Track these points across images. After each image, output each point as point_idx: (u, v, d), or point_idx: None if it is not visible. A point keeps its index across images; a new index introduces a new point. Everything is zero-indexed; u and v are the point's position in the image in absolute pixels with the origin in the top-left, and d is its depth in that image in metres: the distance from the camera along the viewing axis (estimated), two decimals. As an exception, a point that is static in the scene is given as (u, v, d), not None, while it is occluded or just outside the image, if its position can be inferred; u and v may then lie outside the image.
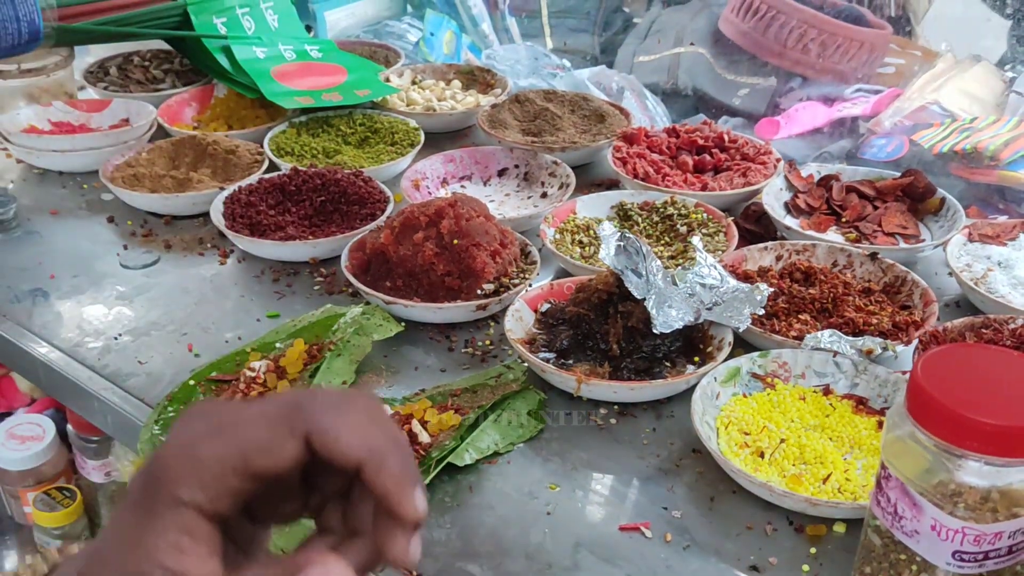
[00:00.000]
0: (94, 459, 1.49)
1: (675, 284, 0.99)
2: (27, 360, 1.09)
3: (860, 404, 0.93)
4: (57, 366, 1.06)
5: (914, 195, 1.27)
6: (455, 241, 1.07)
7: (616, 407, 0.96)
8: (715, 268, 1.01)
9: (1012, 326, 0.99)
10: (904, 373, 0.93)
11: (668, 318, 0.96)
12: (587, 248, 1.19)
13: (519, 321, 1.03)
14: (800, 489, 0.83)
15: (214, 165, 1.38)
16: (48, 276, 1.21)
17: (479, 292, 1.08)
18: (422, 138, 1.47)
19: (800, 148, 1.74)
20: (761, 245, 1.16)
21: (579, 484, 0.87)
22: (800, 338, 0.98)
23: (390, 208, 1.25)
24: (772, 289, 1.03)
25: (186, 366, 1.03)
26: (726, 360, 0.95)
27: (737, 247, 1.16)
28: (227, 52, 1.57)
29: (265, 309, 1.14)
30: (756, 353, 0.97)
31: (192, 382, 0.99)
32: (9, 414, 1.63)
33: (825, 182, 1.31)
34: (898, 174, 1.30)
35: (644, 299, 0.96)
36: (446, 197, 1.13)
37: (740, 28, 1.85)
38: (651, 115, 1.81)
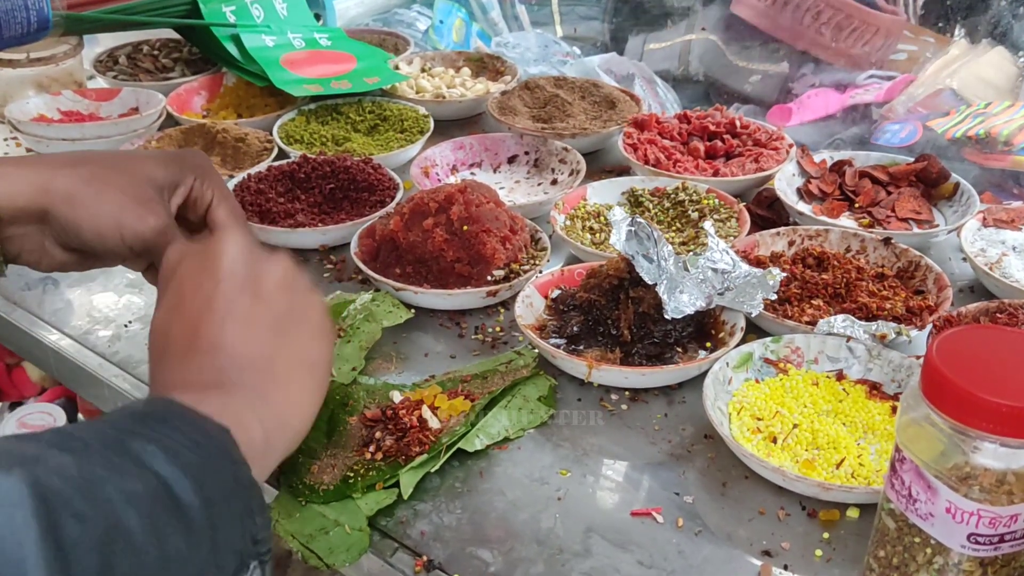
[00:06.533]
0: (105, 448, 1.49)
1: (687, 269, 0.98)
2: (38, 348, 1.10)
3: (874, 389, 0.92)
4: (68, 353, 1.06)
5: (928, 180, 1.26)
6: (465, 227, 1.07)
7: (627, 393, 0.96)
8: (727, 253, 1.00)
9: (1027, 310, 0.98)
10: (918, 358, 0.92)
11: (680, 303, 0.95)
12: (598, 234, 1.18)
13: (529, 307, 1.03)
14: (813, 474, 0.82)
15: (223, 153, 1.38)
16: (58, 264, 1.21)
17: (489, 278, 1.07)
18: (431, 125, 1.47)
19: (812, 135, 1.73)
20: (774, 231, 1.15)
21: (590, 470, 0.87)
22: (813, 323, 0.98)
23: (400, 195, 1.25)
24: (785, 274, 1.02)
25: (196, 353, 1.03)
26: (738, 345, 0.95)
27: (749, 233, 1.15)
28: (236, 40, 1.56)
29: (275, 296, 1.13)
30: (769, 338, 0.96)
31: (202, 369, 0.99)
32: (20, 404, 1.64)
33: (838, 167, 1.30)
34: (911, 159, 1.29)
35: (655, 284, 0.96)
36: (456, 183, 1.13)
37: (756, 8, 1.83)
38: (662, 102, 1.80)
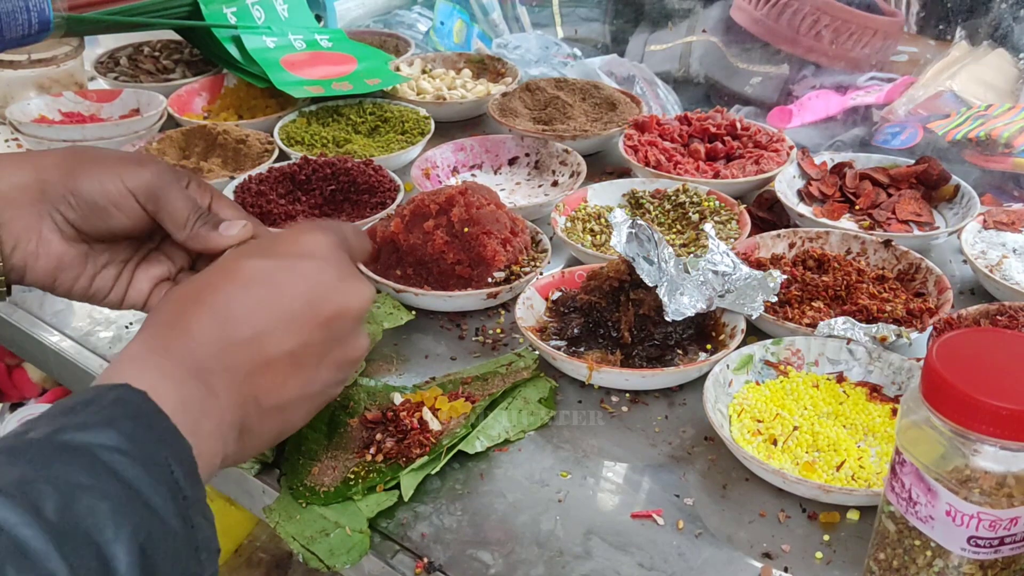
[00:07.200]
0: (106, 449, 1.49)
1: (687, 271, 0.98)
2: (39, 349, 1.10)
3: (874, 391, 0.92)
4: (68, 355, 1.06)
5: (928, 182, 1.26)
6: (465, 229, 1.07)
7: (628, 395, 0.96)
8: (728, 255, 1.00)
9: (1028, 313, 0.98)
10: (918, 360, 0.92)
11: (680, 305, 0.95)
12: (598, 236, 1.18)
13: (530, 309, 1.03)
14: (813, 476, 0.82)
15: (224, 155, 1.38)
16: (59, 265, 1.21)
17: (490, 280, 1.07)
18: (432, 127, 1.47)
19: (813, 137, 1.72)
20: (774, 232, 1.15)
21: (590, 472, 0.87)
22: (813, 325, 0.98)
23: (400, 197, 1.25)
24: (785, 276, 1.02)
25: (197, 354, 1.03)
26: (739, 348, 0.95)
27: (750, 235, 1.15)
28: (237, 42, 1.57)
29: (276, 298, 1.13)
30: (769, 340, 0.96)
31: (203, 370, 0.99)
32: (21, 404, 1.64)
33: (838, 169, 1.31)
34: (912, 161, 1.29)
35: (656, 286, 0.96)
36: (456, 185, 1.13)
37: (753, 16, 1.83)
38: (662, 103, 1.80)
